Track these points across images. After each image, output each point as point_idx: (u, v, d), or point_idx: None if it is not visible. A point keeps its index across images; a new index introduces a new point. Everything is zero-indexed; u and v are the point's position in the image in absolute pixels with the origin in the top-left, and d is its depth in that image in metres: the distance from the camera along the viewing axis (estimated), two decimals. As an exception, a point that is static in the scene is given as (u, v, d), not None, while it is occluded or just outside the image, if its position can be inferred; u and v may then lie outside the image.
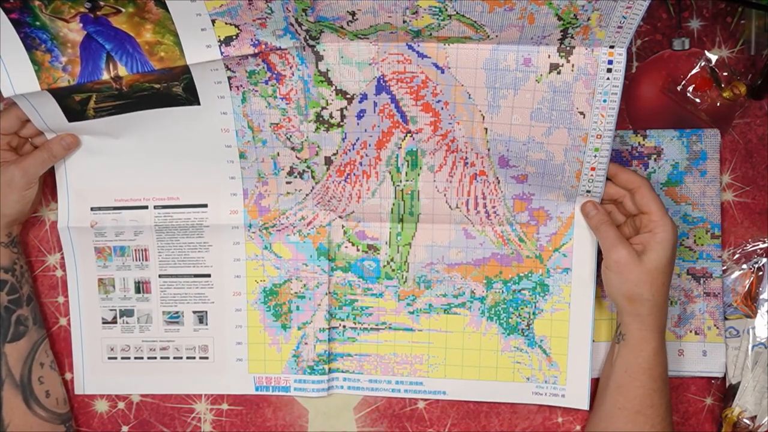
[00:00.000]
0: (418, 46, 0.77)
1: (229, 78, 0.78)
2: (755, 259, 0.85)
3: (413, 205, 0.84)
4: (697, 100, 0.85)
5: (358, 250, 0.85)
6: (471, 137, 0.80)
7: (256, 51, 0.76)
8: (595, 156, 0.78)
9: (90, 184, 0.84)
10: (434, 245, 0.85)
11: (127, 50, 0.74)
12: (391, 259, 0.85)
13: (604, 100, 0.76)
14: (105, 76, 0.75)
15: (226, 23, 0.74)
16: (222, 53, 0.76)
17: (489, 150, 0.80)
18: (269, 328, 0.86)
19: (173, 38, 0.74)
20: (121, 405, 0.87)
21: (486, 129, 0.79)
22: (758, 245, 0.86)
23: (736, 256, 0.86)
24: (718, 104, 0.85)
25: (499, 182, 0.82)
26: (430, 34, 0.75)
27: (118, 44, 0.74)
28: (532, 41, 0.74)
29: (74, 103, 0.77)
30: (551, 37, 0.74)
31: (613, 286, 0.77)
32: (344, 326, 0.86)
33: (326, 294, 0.85)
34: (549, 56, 0.75)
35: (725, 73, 0.84)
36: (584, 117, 0.77)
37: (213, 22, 0.74)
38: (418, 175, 0.82)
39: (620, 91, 0.75)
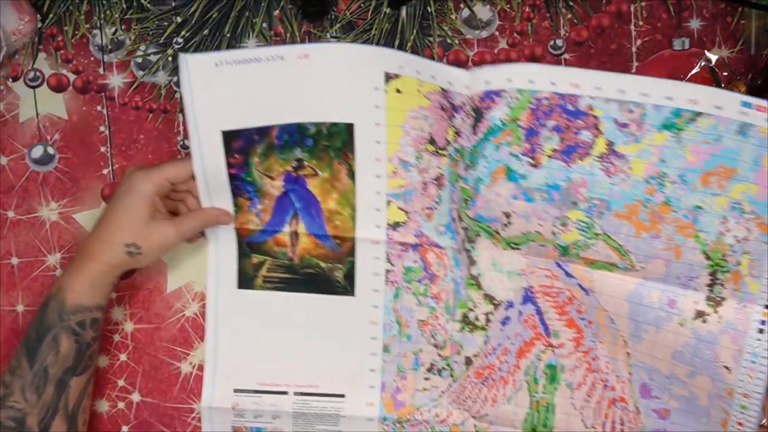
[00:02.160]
0: (566, 266, 0.79)
1: (387, 271, 0.82)
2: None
3: (548, 418, 0.83)
4: (697, 100, 0.84)
5: None
6: (613, 358, 0.80)
7: (417, 242, 0.81)
8: (743, 413, 0.74)
9: (236, 364, 0.84)
10: None
11: (311, 213, 0.81)
12: None
13: (753, 361, 0.73)
14: (286, 229, 0.81)
15: (398, 207, 0.80)
16: (387, 236, 0.81)
17: (631, 375, 0.79)
18: None
19: (351, 212, 0.80)
20: (121, 405, 0.86)
21: (628, 353, 0.79)
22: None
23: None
24: (718, 104, 0.84)
25: (639, 413, 0.80)
26: (577, 254, 0.77)
27: (306, 205, 0.81)
28: (679, 282, 0.74)
29: (250, 266, 0.82)
30: (699, 280, 0.73)
31: None
32: None
33: None
34: (696, 302, 0.74)
35: (725, 73, 0.84)
36: (730, 372, 0.74)
37: (388, 203, 0.80)
38: (556, 389, 0.82)
39: None
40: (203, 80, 0.75)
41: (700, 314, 0.74)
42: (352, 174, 0.79)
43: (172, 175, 0.77)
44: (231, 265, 0.83)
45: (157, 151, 0.86)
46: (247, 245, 0.82)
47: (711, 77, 0.83)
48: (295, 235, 0.81)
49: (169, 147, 0.86)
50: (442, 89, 0.76)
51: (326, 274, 0.82)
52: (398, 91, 0.76)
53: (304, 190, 0.80)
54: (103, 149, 0.86)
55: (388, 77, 0.75)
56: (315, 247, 0.82)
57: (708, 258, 0.72)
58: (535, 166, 0.75)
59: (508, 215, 0.77)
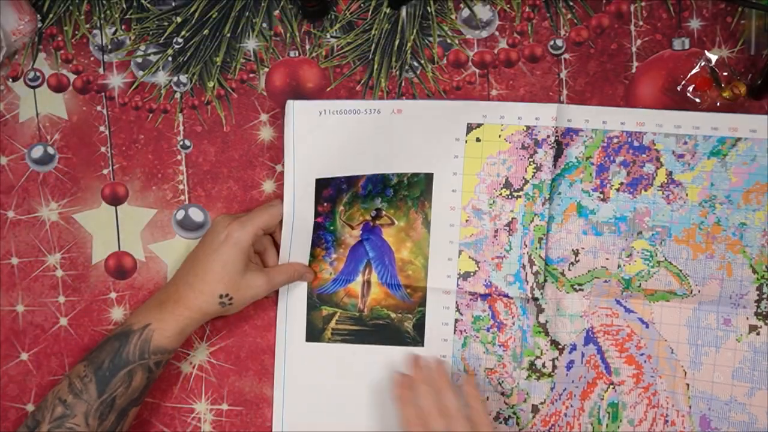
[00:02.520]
0: (626, 302, 0.82)
1: (456, 321, 0.84)
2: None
3: None
4: (697, 100, 0.84)
5: None
6: (672, 392, 0.82)
7: (487, 292, 0.83)
8: None
9: (304, 417, 0.85)
10: None
11: (384, 262, 0.84)
12: None
13: None
14: (359, 279, 0.84)
15: (469, 257, 0.83)
16: (458, 286, 0.83)
17: (690, 408, 0.82)
18: None
19: (423, 261, 0.83)
20: (119, 402, 0.87)
21: (688, 385, 0.82)
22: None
23: None
24: (718, 104, 0.84)
25: None
26: (639, 286, 0.81)
27: (379, 255, 0.84)
28: (731, 301, 0.80)
29: (319, 319, 0.84)
30: (748, 297, 0.80)
31: None
32: None
33: None
34: (747, 318, 0.81)
35: (725, 73, 0.84)
36: None
37: (460, 253, 0.83)
38: (618, 427, 0.83)
39: None
40: (307, 127, 0.81)
41: (753, 328, 0.81)
42: (427, 223, 0.83)
43: (264, 224, 0.79)
44: (300, 319, 0.85)
45: (157, 151, 0.86)
46: (318, 297, 0.84)
47: (711, 77, 0.83)
48: (367, 284, 0.84)
49: (169, 147, 0.86)
50: (527, 127, 0.82)
51: (396, 325, 0.84)
52: (478, 139, 0.82)
53: (379, 239, 0.84)
54: (103, 149, 0.86)
55: (470, 128, 0.82)
56: (385, 297, 0.84)
57: (754, 271, 0.80)
58: (604, 200, 0.82)
59: (576, 252, 0.82)
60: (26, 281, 0.87)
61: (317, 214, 0.83)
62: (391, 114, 0.82)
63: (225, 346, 0.87)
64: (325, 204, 0.83)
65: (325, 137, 0.81)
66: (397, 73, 0.85)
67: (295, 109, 0.81)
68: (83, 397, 0.75)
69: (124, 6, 0.86)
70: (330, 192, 0.83)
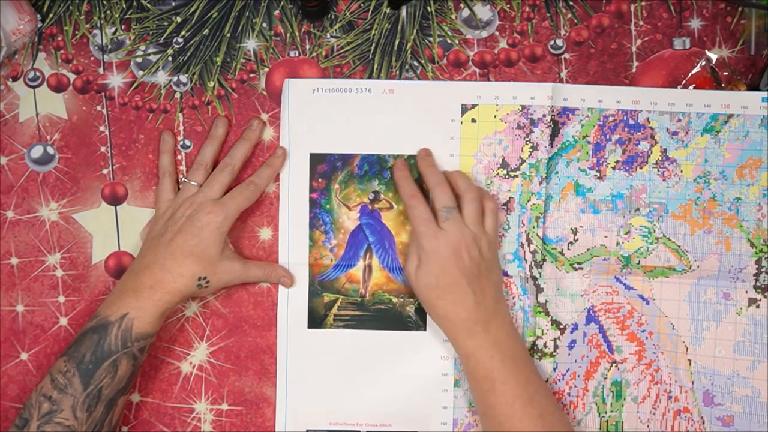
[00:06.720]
0: (626, 279, 0.83)
1: None
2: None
3: None
4: (698, 99, 0.85)
5: None
6: (675, 368, 0.83)
7: None
8: None
9: (308, 404, 0.86)
10: None
11: (384, 246, 0.85)
12: None
13: None
14: (360, 263, 0.85)
15: None
16: None
17: (693, 383, 0.83)
18: None
19: None
20: (119, 403, 0.87)
21: (690, 360, 0.83)
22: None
23: None
24: (718, 103, 0.84)
25: (704, 422, 0.83)
26: (638, 262, 0.82)
27: (379, 239, 0.85)
28: (729, 275, 0.81)
29: (321, 306, 0.85)
30: (747, 270, 0.81)
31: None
32: None
33: None
34: (746, 291, 0.82)
35: (725, 73, 0.84)
36: None
37: None
38: (622, 405, 0.84)
39: None
40: (300, 103, 0.84)
41: (752, 301, 0.82)
42: None
43: (241, 207, 0.81)
44: (302, 306, 0.85)
45: (156, 151, 0.86)
46: (319, 283, 0.85)
47: (711, 77, 0.84)
48: (368, 269, 0.85)
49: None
50: (522, 107, 0.83)
51: (397, 310, 0.85)
52: (473, 120, 0.84)
53: (379, 223, 0.85)
54: (103, 149, 0.86)
55: (465, 109, 0.84)
56: (387, 282, 0.85)
57: (753, 245, 0.81)
58: (600, 178, 0.84)
59: (575, 231, 0.83)
60: (26, 281, 0.87)
61: (312, 189, 0.84)
62: (383, 94, 0.84)
63: (225, 346, 0.87)
64: (320, 180, 0.84)
65: (319, 115, 0.84)
66: (397, 73, 0.85)
67: (291, 86, 0.84)
68: (68, 391, 0.75)
69: (124, 6, 0.86)
70: (324, 168, 0.84)
